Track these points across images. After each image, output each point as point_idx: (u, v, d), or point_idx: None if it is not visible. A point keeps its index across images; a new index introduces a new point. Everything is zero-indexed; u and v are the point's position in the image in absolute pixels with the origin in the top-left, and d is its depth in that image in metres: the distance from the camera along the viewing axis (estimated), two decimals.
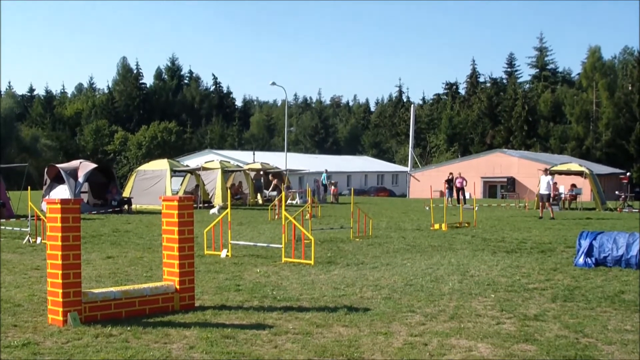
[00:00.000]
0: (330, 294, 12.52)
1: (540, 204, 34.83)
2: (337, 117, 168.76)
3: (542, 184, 34.31)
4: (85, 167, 36.78)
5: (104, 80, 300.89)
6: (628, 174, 68.90)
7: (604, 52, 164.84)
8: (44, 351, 8.50)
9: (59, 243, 9.76)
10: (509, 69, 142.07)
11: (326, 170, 58.65)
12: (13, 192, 37.96)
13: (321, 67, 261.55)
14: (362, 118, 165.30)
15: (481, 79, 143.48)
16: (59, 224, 9.76)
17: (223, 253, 18.05)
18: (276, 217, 31.46)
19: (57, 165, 37.35)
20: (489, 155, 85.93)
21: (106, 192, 38.36)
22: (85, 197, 37.53)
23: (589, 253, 16.10)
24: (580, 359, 8.31)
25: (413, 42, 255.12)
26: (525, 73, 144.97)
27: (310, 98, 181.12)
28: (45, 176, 37.12)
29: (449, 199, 46.96)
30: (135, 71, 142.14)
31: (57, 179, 36.37)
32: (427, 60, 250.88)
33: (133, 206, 38.16)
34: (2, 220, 27.48)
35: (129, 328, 9.61)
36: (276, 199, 36.39)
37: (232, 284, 13.53)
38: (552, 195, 34.64)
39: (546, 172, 35.21)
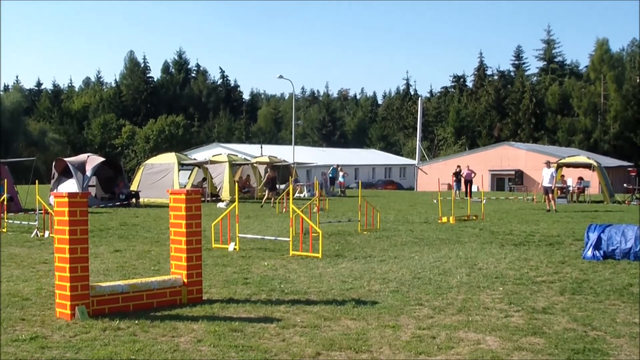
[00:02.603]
0: (338, 287, 12.52)
1: (545, 196, 34.77)
2: (345, 110, 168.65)
3: (545, 177, 34.25)
4: (93, 160, 36.85)
5: (112, 74, 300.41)
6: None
7: (612, 44, 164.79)
8: (52, 345, 8.51)
9: (67, 237, 9.77)
10: (516, 62, 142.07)
11: (337, 166, 58.41)
12: (21, 186, 38.08)
13: (329, 60, 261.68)
14: (369, 111, 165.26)
15: (489, 72, 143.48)
16: (67, 218, 9.77)
17: (231, 246, 18.07)
18: (284, 210, 31.47)
19: (65, 159, 37.45)
20: (496, 148, 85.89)
21: (114, 185, 38.43)
22: (93, 191, 37.60)
23: (597, 246, 16.07)
24: (588, 352, 8.29)
25: (420, 35, 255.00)
26: (533, 66, 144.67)
27: (318, 91, 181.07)
28: (53, 170, 37.21)
29: (457, 191, 46.90)
30: (142, 65, 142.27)
31: (65, 173, 36.45)
32: (434, 53, 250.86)
33: (141, 200, 38.22)
34: (10, 214, 27.52)
35: (136, 321, 9.62)
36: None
37: (239, 277, 13.53)
38: (553, 187, 34.54)
39: (548, 164, 35.13)
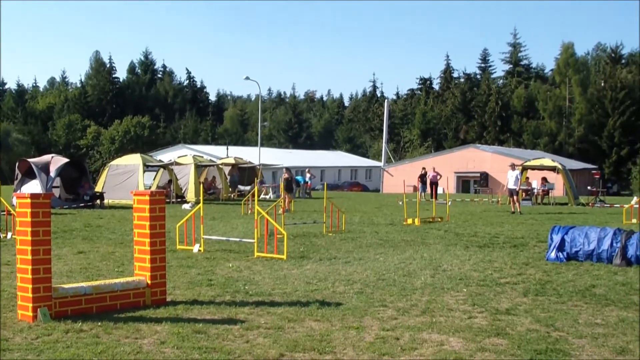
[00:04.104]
0: (302, 288, 12.52)
1: (510, 198, 34.96)
2: (311, 112, 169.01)
3: (510, 179, 34.46)
4: (57, 161, 36.55)
5: (77, 74, 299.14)
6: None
7: (577, 48, 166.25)
8: (14, 347, 8.43)
9: (29, 238, 9.69)
10: (482, 65, 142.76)
11: (309, 171, 58.38)
12: None
13: (295, 61, 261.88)
14: (336, 113, 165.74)
15: (455, 75, 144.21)
16: (29, 219, 9.69)
17: (195, 248, 18.00)
18: (249, 211, 31.40)
19: (29, 160, 37.10)
20: (462, 150, 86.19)
21: (78, 186, 38.16)
22: (57, 192, 37.28)
23: (560, 247, 16.17)
24: (551, 352, 8.34)
25: (387, 38, 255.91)
26: (499, 69, 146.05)
27: (284, 93, 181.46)
28: (17, 171, 36.83)
29: (422, 193, 47.08)
30: (108, 65, 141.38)
31: (29, 174, 36.10)
32: (401, 55, 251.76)
33: (105, 201, 37.97)
34: None
35: (99, 323, 9.56)
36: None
37: (204, 278, 13.49)
38: (518, 189, 34.75)
39: (513, 167, 35.36)
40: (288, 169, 38.51)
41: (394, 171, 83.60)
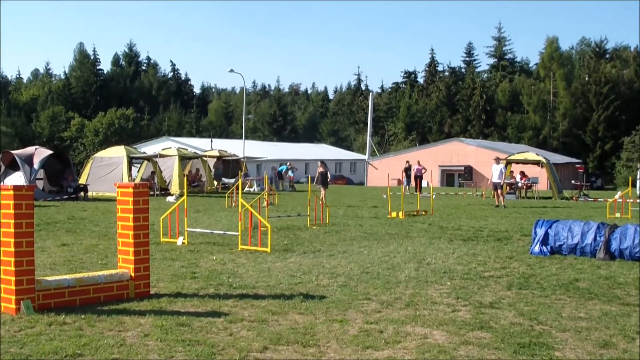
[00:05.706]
0: (286, 281, 12.50)
1: (494, 192, 35.00)
2: (296, 105, 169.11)
3: (494, 173, 34.47)
4: (40, 153, 36.43)
5: (61, 65, 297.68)
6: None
7: (562, 42, 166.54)
8: None
9: (12, 230, 9.63)
10: (467, 59, 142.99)
11: (289, 164, 58.44)
12: None
13: (280, 54, 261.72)
14: (320, 106, 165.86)
15: (440, 68, 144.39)
16: (12, 211, 9.64)
17: (179, 240, 17.95)
18: (233, 204, 31.35)
19: (12, 152, 36.97)
20: (446, 143, 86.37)
21: (62, 178, 38.03)
22: (40, 184, 37.16)
23: (544, 241, 16.20)
24: (534, 346, 8.34)
25: (372, 31, 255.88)
26: (484, 62, 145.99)
27: (269, 86, 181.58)
28: (0, 163, 36.70)
29: (407, 187, 47.11)
30: (92, 57, 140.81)
31: (12, 166, 35.98)
32: (386, 49, 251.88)
33: (89, 193, 37.87)
34: None
35: (83, 316, 9.51)
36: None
37: (188, 271, 13.46)
38: (502, 183, 34.80)
39: (497, 161, 35.40)
40: (323, 163, 36.83)
41: (379, 164, 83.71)
